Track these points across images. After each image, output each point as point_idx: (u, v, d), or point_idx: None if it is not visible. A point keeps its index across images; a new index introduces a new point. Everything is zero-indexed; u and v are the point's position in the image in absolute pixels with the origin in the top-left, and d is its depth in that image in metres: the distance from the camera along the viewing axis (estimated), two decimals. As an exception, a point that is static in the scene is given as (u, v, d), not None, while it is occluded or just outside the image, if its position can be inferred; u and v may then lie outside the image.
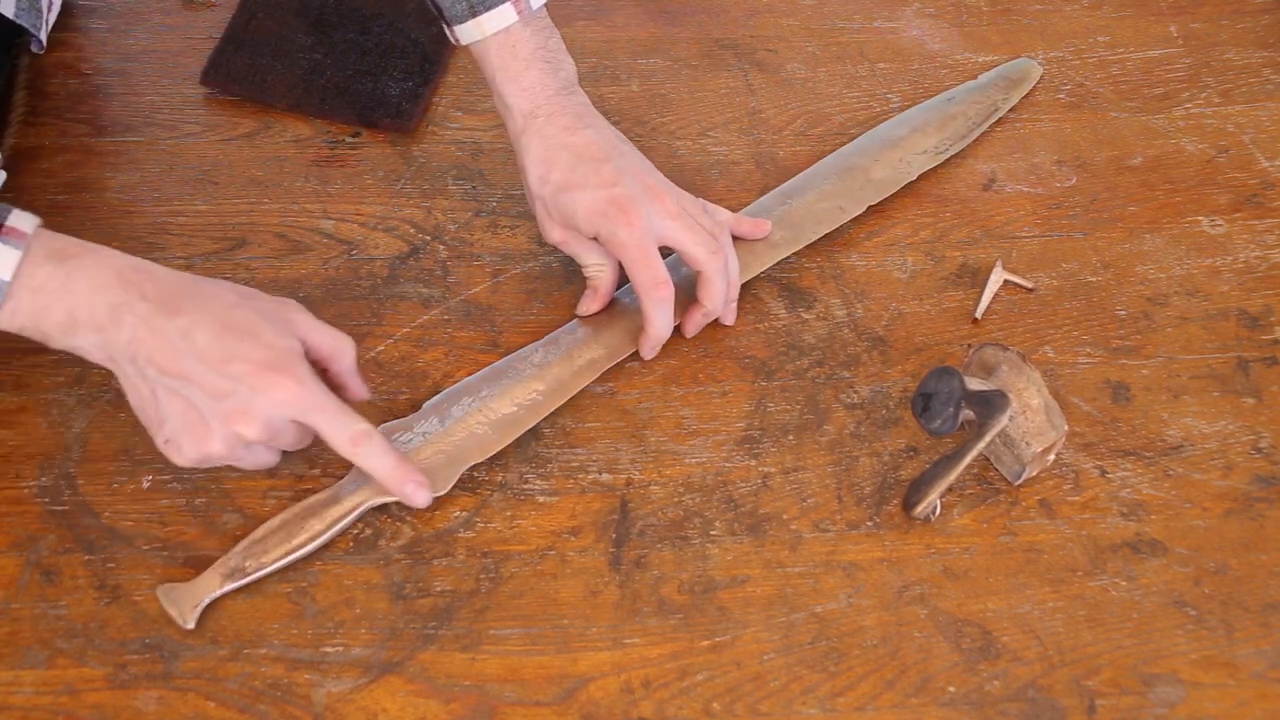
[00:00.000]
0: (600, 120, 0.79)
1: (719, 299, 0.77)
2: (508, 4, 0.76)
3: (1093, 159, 0.90)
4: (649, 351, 0.78)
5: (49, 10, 0.88)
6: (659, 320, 0.76)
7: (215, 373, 0.64)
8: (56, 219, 0.82)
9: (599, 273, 0.78)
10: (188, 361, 0.64)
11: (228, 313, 0.66)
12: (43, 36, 0.86)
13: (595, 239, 0.77)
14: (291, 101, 0.89)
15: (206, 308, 0.66)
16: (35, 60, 0.90)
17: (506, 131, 0.79)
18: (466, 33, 0.77)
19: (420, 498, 0.69)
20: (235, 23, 0.92)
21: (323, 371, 0.69)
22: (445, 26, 0.78)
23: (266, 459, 0.69)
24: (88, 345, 0.66)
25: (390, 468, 0.68)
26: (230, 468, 0.69)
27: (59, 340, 0.66)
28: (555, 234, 0.78)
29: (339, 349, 0.70)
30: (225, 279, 0.80)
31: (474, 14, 0.76)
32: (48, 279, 0.64)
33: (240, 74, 0.89)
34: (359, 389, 0.72)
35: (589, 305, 0.79)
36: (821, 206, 0.85)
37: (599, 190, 0.75)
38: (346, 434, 0.67)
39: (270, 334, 0.66)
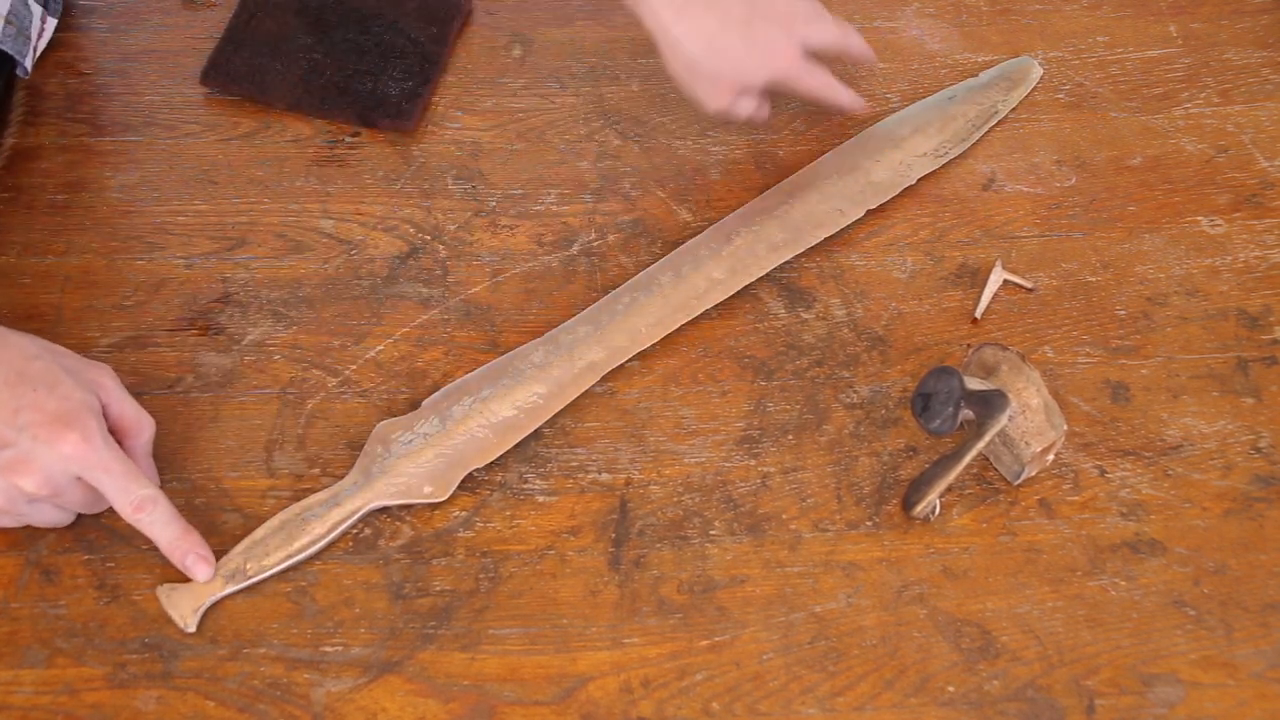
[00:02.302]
0: None
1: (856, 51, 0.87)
2: None
3: (1092, 159, 0.90)
4: (848, 99, 0.86)
5: (39, 38, 0.87)
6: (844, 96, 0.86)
7: (1, 421, 0.64)
8: (56, 219, 0.83)
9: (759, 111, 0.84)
10: None
11: (26, 363, 0.65)
12: (28, 64, 0.86)
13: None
14: (291, 101, 0.89)
15: (3, 356, 0.65)
16: (34, 60, 0.90)
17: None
18: None
19: (201, 571, 0.67)
20: (235, 23, 0.92)
21: (118, 444, 0.68)
22: None
23: (54, 517, 0.68)
24: None
25: (173, 538, 0.67)
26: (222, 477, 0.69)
27: None
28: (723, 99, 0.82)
29: (140, 425, 0.69)
30: (224, 278, 0.80)
31: None
32: None
33: (240, 74, 0.89)
34: (150, 473, 0.70)
35: (763, 111, 0.85)
36: (821, 209, 0.85)
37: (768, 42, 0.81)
38: (129, 499, 0.66)
39: (68, 387, 0.65)
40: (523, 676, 0.67)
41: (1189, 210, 0.88)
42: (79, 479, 0.66)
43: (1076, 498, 0.74)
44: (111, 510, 0.70)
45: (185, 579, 0.68)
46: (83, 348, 0.76)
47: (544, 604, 0.69)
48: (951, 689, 0.67)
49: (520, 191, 0.86)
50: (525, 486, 0.74)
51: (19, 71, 0.86)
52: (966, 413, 0.71)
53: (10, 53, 0.83)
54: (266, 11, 0.93)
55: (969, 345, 0.80)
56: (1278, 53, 0.97)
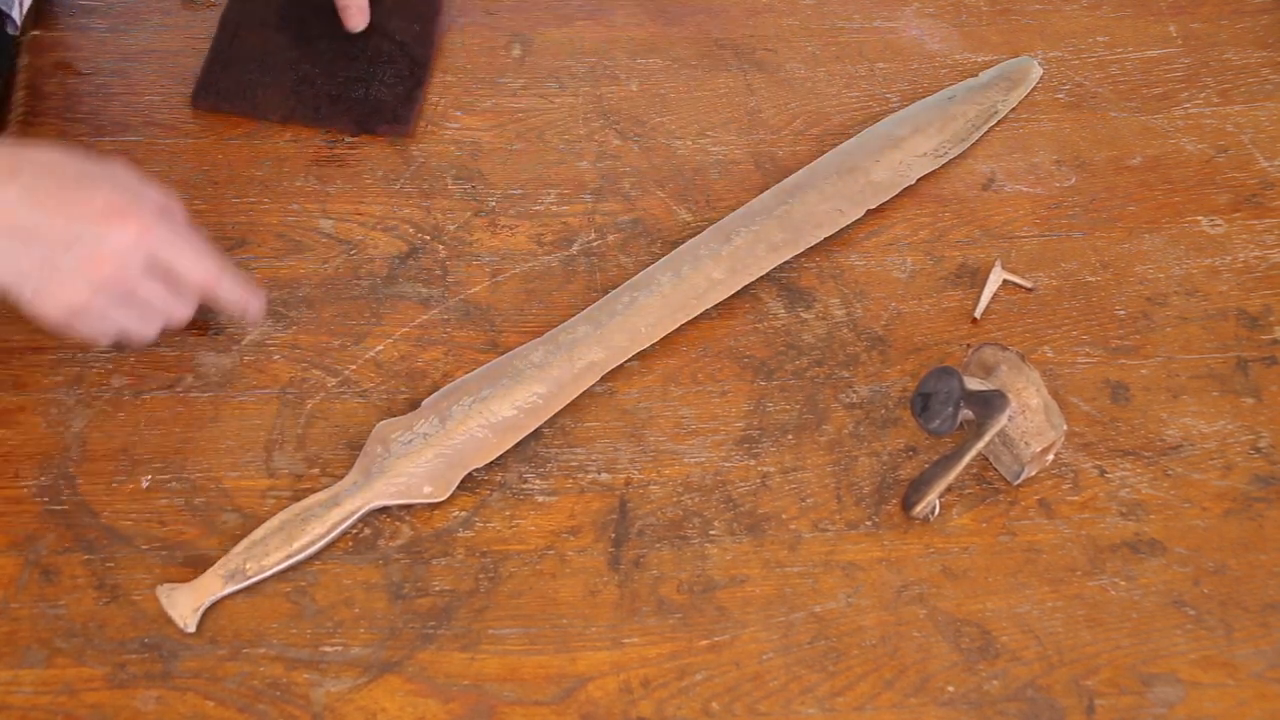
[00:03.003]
0: None
1: None
2: None
3: (1092, 159, 0.90)
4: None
5: None
6: None
7: (61, 222, 0.66)
8: (56, 219, 0.83)
9: None
10: (32, 217, 0.65)
11: (63, 168, 0.67)
12: (17, 17, 0.85)
13: None
14: (285, 113, 0.88)
15: (34, 169, 0.67)
16: (35, 60, 0.90)
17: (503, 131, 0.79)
18: None
19: (254, 308, 0.74)
20: (218, 42, 0.91)
21: None
22: None
23: (138, 325, 0.70)
24: None
25: (239, 298, 0.73)
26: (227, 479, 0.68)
27: None
28: None
29: (170, 204, 0.71)
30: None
31: None
32: None
33: (230, 92, 0.89)
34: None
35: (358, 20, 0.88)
36: (821, 209, 0.85)
37: None
38: (203, 268, 0.70)
39: (106, 182, 0.68)
40: (522, 676, 0.67)
41: (1189, 210, 0.88)
42: (148, 269, 0.68)
43: (1076, 498, 0.74)
44: (111, 510, 0.70)
45: (185, 579, 0.68)
46: (83, 347, 0.76)
47: (544, 604, 0.69)
48: (951, 689, 0.67)
49: (520, 191, 0.86)
50: (525, 486, 0.74)
51: (9, 28, 0.86)
52: (966, 413, 0.71)
53: None
54: (249, 28, 0.92)
55: (969, 345, 0.80)
56: (1278, 53, 0.97)
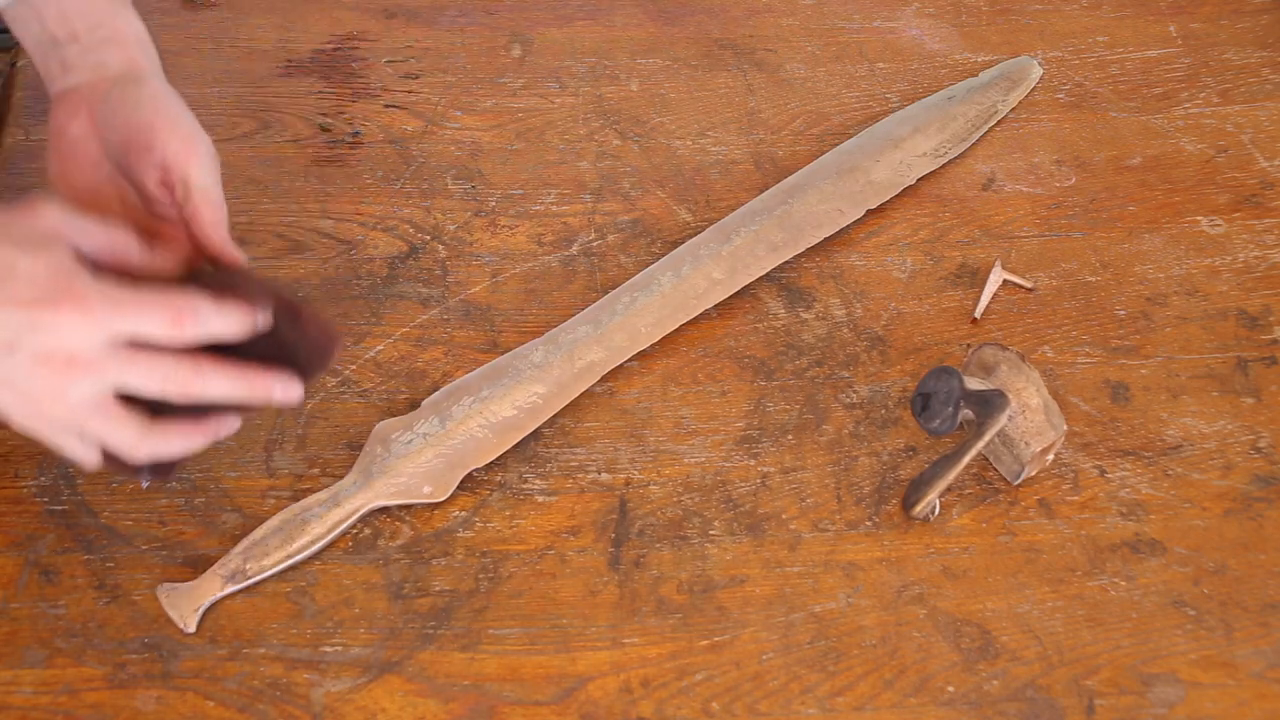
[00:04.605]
0: None
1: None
2: None
3: (1092, 159, 0.90)
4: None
5: None
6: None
7: None
8: (56, 219, 0.83)
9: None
10: None
11: None
12: None
13: None
14: None
15: None
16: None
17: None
18: None
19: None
20: None
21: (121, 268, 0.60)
22: None
23: (119, 433, 0.59)
24: None
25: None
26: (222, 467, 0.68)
27: None
28: None
29: (114, 242, 0.60)
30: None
31: None
32: None
33: None
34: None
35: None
36: (821, 209, 0.85)
37: None
38: (166, 317, 0.57)
39: (26, 264, 0.55)
40: (522, 676, 0.67)
41: (1189, 210, 0.88)
42: (112, 342, 0.57)
43: (1076, 498, 0.74)
44: (111, 509, 0.70)
45: (185, 579, 0.68)
46: (82, 348, 0.76)
47: (544, 604, 0.69)
48: (951, 689, 0.67)
49: (520, 191, 0.86)
50: (525, 486, 0.74)
51: None
52: (966, 413, 0.71)
53: None
54: None
55: (968, 345, 0.80)
56: (1278, 53, 0.97)
